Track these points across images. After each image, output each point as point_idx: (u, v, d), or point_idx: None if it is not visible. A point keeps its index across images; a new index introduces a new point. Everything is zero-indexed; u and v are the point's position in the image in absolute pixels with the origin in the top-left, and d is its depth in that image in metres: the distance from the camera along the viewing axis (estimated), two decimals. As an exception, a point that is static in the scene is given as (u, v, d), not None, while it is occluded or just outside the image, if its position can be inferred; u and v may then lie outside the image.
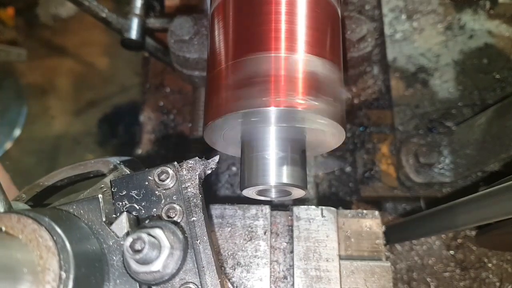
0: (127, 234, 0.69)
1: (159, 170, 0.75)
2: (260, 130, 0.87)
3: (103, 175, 0.90)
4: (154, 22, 1.46)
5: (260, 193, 0.92)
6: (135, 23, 1.40)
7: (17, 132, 2.67)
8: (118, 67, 2.82)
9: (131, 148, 1.63)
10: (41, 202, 0.90)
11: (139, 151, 1.57)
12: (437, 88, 1.42)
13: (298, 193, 0.90)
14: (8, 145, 2.62)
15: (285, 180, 0.85)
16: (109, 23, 1.40)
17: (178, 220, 0.73)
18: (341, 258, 0.91)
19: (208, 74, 0.94)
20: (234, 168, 1.43)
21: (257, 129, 0.87)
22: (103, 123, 2.70)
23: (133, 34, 1.39)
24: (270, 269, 0.89)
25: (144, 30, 1.42)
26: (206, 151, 1.00)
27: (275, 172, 0.85)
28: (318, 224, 0.92)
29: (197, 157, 0.78)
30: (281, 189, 0.89)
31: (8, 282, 0.52)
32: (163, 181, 0.75)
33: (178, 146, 1.56)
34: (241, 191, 0.90)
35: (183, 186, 0.75)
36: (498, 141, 1.19)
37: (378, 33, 1.52)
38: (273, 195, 0.93)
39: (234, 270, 0.88)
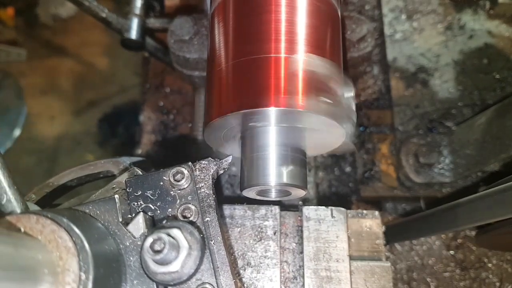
0: (144, 234, 0.69)
1: (174, 170, 0.76)
2: (260, 130, 0.87)
3: (113, 176, 0.90)
4: (154, 22, 1.46)
5: (260, 193, 0.91)
6: (135, 23, 1.40)
7: (17, 132, 2.67)
8: (118, 67, 2.83)
9: (131, 148, 1.63)
10: (50, 203, 0.90)
11: (139, 151, 1.57)
12: (437, 88, 1.42)
13: (298, 193, 0.90)
14: (8, 145, 2.62)
15: (285, 180, 0.85)
16: (109, 23, 1.39)
17: (194, 220, 0.74)
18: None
19: (208, 74, 0.94)
20: (234, 168, 1.43)
21: (257, 129, 0.87)
22: (103, 123, 2.70)
23: (133, 34, 1.39)
24: (280, 269, 0.89)
25: (144, 30, 1.42)
26: (206, 151, 1.00)
27: (275, 172, 0.85)
28: (328, 225, 0.92)
29: (210, 158, 0.78)
30: (281, 189, 0.89)
31: (30, 282, 0.52)
32: (178, 181, 0.75)
33: (178, 146, 1.56)
34: (241, 191, 0.90)
35: (196, 186, 0.76)
36: (498, 141, 1.19)
37: (378, 33, 1.52)
38: (273, 195, 0.93)
39: (245, 270, 0.88)
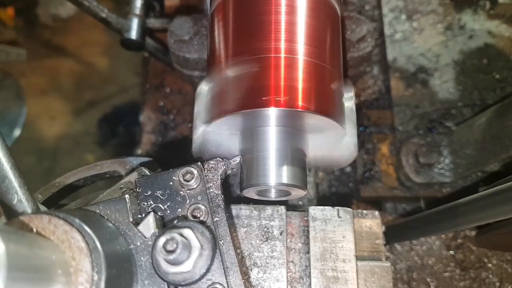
0: (154, 234, 0.69)
1: (183, 170, 0.76)
2: (260, 130, 0.87)
3: (119, 176, 0.90)
4: (154, 22, 1.46)
5: (259, 193, 0.91)
6: (135, 23, 1.39)
7: (17, 132, 2.67)
8: (118, 67, 2.82)
9: (131, 148, 1.63)
10: (56, 203, 0.90)
11: (139, 151, 1.57)
12: (437, 88, 1.42)
13: (298, 193, 0.90)
14: (8, 145, 2.61)
15: (285, 180, 0.85)
16: (109, 23, 1.39)
17: (204, 220, 0.74)
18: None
19: (208, 74, 0.94)
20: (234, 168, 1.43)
21: (257, 129, 0.87)
22: (103, 123, 2.70)
23: (133, 34, 1.39)
24: (287, 269, 0.89)
25: (144, 30, 1.42)
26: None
27: (275, 172, 0.85)
28: (334, 225, 0.92)
29: (218, 157, 0.78)
30: (281, 189, 0.89)
31: (43, 283, 0.52)
32: (188, 181, 0.75)
33: (178, 147, 1.56)
34: (241, 191, 0.90)
35: (205, 186, 0.76)
36: (498, 141, 1.19)
37: (378, 33, 1.52)
38: (272, 195, 0.93)
39: (251, 270, 0.88)
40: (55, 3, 2.91)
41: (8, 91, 2.80)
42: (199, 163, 0.77)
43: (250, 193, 0.90)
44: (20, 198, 0.65)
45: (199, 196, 0.75)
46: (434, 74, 1.44)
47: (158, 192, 0.75)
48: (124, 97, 2.73)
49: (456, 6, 1.50)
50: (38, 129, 2.73)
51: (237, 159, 0.80)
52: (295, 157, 0.88)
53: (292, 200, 1.06)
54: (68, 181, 0.90)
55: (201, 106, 0.92)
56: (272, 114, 0.82)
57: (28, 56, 2.77)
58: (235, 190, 1.40)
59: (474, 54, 1.44)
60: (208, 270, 0.67)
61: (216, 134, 0.90)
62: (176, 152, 1.55)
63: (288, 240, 0.92)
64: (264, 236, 0.91)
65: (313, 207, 0.94)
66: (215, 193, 0.76)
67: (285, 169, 0.85)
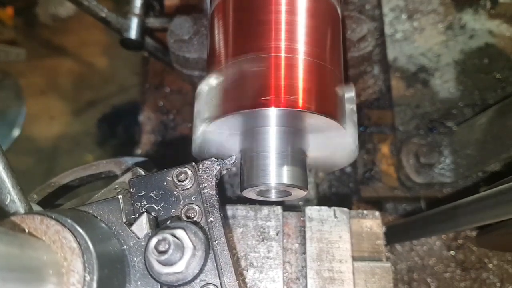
0: (148, 235, 0.69)
1: (177, 170, 0.75)
2: (260, 130, 0.86)
3: (115, 176, 0.89)
4: (153, 22, 1.46)
5: (260, 193, 0.91)
6: (134, 23, 1.39)
7: (16, 132, 2.66)
8: (118, 67, 2.82)
9: (130, 148, 1.63)
10: (52, 203, 0.90)
11: (139, 151, 1.56)
12: (437, 88, 1.42)
13: (298, 193, 0.89)
14: (7, 145, 2.61)
15: (285, 180, 0.84)
16: (108, 22, 1.39)
17: (198, 221, 0.74)
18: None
19: (208, 74, 0.94)
20: (234, 168, 1.43)
21: (257, 129, 0.86)
22: (102, 123, 2.69)
23: (133, 34, 1.38)
24: (283, 270, 0.89)
25: (144, 29, 1.42)
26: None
27: (275, 172, 0.84)
28: (330, 225, 0.92)
29: (213, 158, 0.78)
30: (281, 189, 0.89)
31: (35, 283, 0.52)
32: (182, 181, 0.75)
33: (178, 146, 1.55)
34: (241, 192, 0.89)
35: (200, 186, 0.75)
36: (499, 141, 1.19)
37: (379, 32, 1.51)
38: (273, 195, 0.92)
39: (247, 271, 0.88)
40: (55, 3, 2.91)
41: (7, 91, 2.80)
42: (193, 163, 0.77)
43: (250, 193, 0.90)
44: (13, 198, 0.64)
45: (193, 197, 0.75)
46: (434, 74, 1.43)
47: (152, 192, 0.75)
48: (124, 97, 2.72)
49: (457, 6, 1.50)
50: (38, 129, 2.73)
51: (232, 159, 0.80)
52: (296, 157, 0.87)
53: (292, 200, 1.05)
54: (63, 181, 0.90)
55: (201, 105, 0.91)
56: (272, 114, 0.82)
57: (27, 56, 2.76)
58: (236, 191, 1.39)
59: (475, 54, 1.44)
60: (201, 271, 0.67)
61: (216, 134, 0.90)
62: (176, 152, 1.55)
63: (285, 240, 0.92)
64: (260, 237, 0.90)
65: (310, 207, 0.93)
66: (209, 193, 0.75)
67: (285, 169, 0.85)
